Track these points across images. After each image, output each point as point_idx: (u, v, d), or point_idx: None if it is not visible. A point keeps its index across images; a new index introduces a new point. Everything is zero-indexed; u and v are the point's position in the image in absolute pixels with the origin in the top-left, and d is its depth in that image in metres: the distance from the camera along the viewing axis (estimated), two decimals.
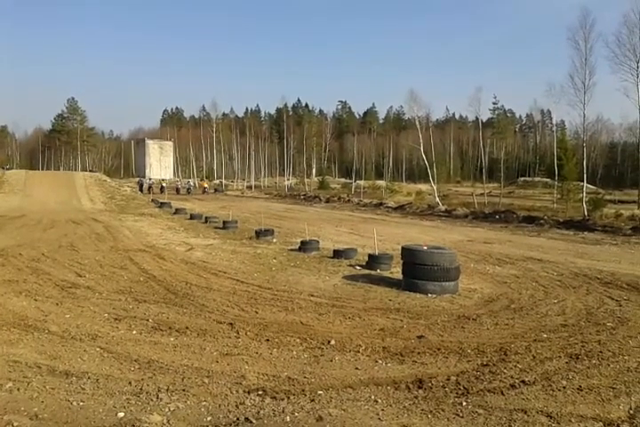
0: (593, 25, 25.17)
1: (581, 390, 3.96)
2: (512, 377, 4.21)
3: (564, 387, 4.02)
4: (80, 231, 14.75)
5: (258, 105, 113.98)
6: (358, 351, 4.86)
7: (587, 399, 3.80)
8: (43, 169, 74.64)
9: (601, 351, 4.91)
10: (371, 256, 9.65)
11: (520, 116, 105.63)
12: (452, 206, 28.03)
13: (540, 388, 4.00)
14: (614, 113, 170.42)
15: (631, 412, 3.59)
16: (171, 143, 79.46)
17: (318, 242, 11.87)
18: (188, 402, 3.67)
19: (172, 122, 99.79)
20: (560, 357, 4.75)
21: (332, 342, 5.07)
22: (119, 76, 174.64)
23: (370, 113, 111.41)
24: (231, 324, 5.65)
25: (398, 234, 15.34)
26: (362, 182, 57.28)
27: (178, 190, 47.27)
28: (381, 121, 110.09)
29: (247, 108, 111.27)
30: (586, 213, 23.30)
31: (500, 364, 4.53)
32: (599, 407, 3.66)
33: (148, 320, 5.80)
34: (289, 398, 3.77)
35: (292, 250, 11.59)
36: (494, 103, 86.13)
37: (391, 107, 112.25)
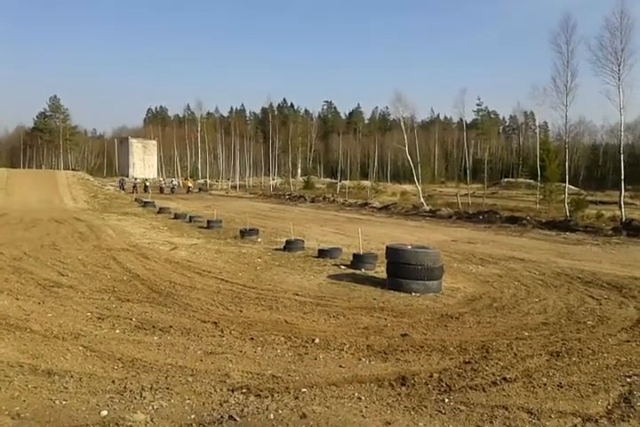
0: (574, 28, 25.42)
1: (561, 387, 4.03)
2: (494, 374, 4.27)
3: (545, 384, 4.09)
4: (62, 230, 14.60)
5: (243, 104, 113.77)
6: (342, 350, 4.89)
7: (566, 396, 3.87)
8: (24, 168, 73.53)
9: (581, 349, 4.99)
10: (355, 256, 9.69)
11: (504, 118, 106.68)
12: (436, 207, 28.19)
13: (521, 385, 4.07)
14: (596, 115, 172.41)
15: (609, 408, 3.67)
16: (155, 142, 78.83)
17: (303, 241, 11.89)
18: (172, 400, 3.67)
19: (157, 121, 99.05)
20: (541, 354, 4.83)
21: (317, 341, 5.10)
22: (103, 75, 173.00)
23: (355, 113, 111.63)
24: (215, 323, 5.65)
25: (383, 234, 15.40)
26: (347, 182, 57.31)
27: (162, 190, 46.89)
28: (367, 121, 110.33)
29: (232, 108, 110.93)
30: (568, 214, 23.57)
31: (481, 361, 4.59)
32: (578, 403, 3.73)
33: (131, 319, 5.78)
34: (273, 395, 3.78)
35: (276, 249, 11.59)
36: (478, 105, 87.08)
37: (376, 107, 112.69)
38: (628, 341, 5.35)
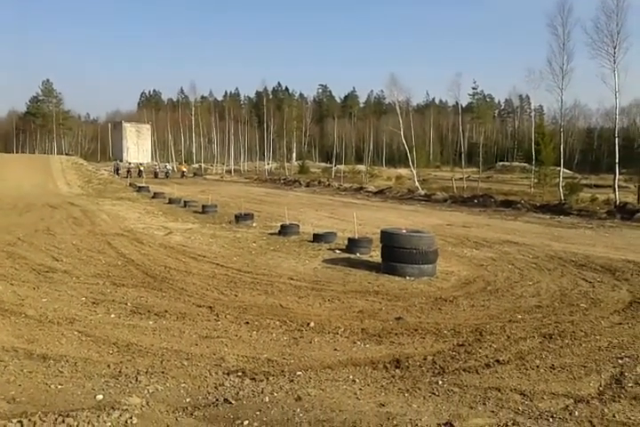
0: (571, 10, 25.26)
1: (554, 369, 4.07)
2: (487, 357, 4.31)
3: (538, 366, 4.13)
4: (57, 215, 14.53)
5: (237, 88, 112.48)
6: (337, 333, 4.92)
7: (559, 377, 3.91)
8: (17, 152, 72.95)
9: (574, 331, 5.04)
10: (350, 240, 9.70)
11: (499, 102, 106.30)
12: (431, 191, 28.21)
13: (514, 367, 4.11)
14: (592, 98, 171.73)
15: (601, 389, 3.71)
16: (148, 126, 78.29)
17: (298, 226, 11.88)
18: (167, 384, 3.69)
19: (150, 105, 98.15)
20: (534, 337, 4.87)
21: (312, 325, 5.12)
22: (96, 59, 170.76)
23: (350, 97, 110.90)
24: (210, 307, 5.67)
25: (378, 218, 15.41)
26: (342, 167, 57.22)
27: (156, 174, 46.66)
28: (362, 105, 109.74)
29: (226, 92, 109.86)
30: (562, 198, 23.63)
31: (475, 344, 4.62)
32: (570, 385, 3.77)
33: (126, 304, 5.78)
34: (268, 379, 3.81)
35: (271, 234, 11.59)
36: (474, 88, 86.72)
37: (372, 91, 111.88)
38: (620, 323, 5.39)
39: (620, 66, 22.61)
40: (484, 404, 3.44)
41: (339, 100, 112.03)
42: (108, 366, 4.00)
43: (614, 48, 22.34)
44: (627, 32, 22.63)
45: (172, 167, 55.01)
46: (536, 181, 32.79)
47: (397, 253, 7.59)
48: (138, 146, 75.18)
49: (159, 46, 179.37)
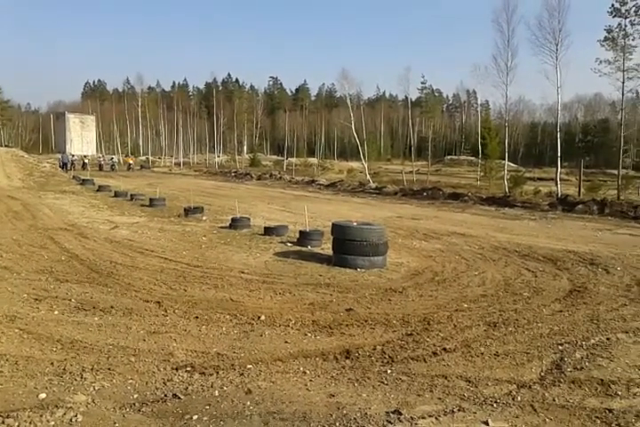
0: (515, 8, 25.92)
1: (498, 356, 4.21)
2: (434, 345, 4.41)
3: (482, 353, 4.26)
4: None
5: (186, 79, 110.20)
6: (288, 326, 4.92)
7: (502, 364, 4.05)
8: None
9: (517, 319, 5.22)
10: (302, 233, 9.71)
11: (447, 97, 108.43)
12: (382, 184, 28.53)
13: (460, 354, 4.22)
14: (536, 94, 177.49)
15: (542, 374, 3.86)
16: (93, 117, 75.70)
17: (249, 219, 11.79)
18: (114, 381, 3.61)
19: (95, 95, 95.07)
20: (479, 325, 5.01)
21: (262, 318, 5.10)
22: (36, 47, 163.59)
23: (302, 90, 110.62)
24: (158, 302, 5.56)
25: (330, 211, 15.49)
26: (294, 160, 57.14)
27: (101, 167, 45.20)
28: (313, 98, 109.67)
29: (174, 83, 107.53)
30: (507, 190, 24.37)
31: (423, 333, 4.72)
32: (514, 371, 3.91)
33: (70, 300, 5.60)
34: (218, 373, 3.77)
35: (222, 227, 11.46)
36: (422, 83, 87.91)
37: (323, 84, 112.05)
38: (561, 311, 5.62)
39: (562, 62, 23.44)
40: (431, 391, 3.52)
41: (290, 93, 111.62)
42: (52, 363, 3.87)
43: (556, 45, 23.12)
44: (568, 30, 23.48)
45: (119, 160, 53.46)
46: (482, 174, 33.71)
47: (348, 246, 7.65)
48: (82, 137, 72.56)
49: (104, 34, 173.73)
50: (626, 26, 24.23)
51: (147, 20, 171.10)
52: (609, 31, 24.73)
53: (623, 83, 23.66)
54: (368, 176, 33.76)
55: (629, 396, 3.48)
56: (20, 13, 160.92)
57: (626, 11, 24.23)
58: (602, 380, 3.72)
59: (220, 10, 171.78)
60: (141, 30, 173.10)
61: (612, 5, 24.43)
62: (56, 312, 5.20)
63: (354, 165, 53.05)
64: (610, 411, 3.24)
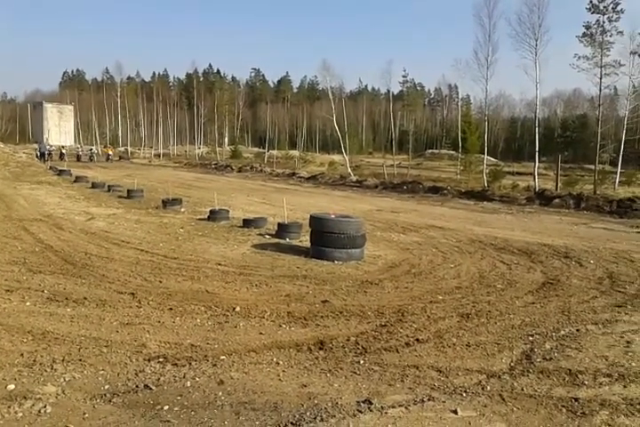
0: (497, 2, 26.12)
1: (469, 346, 4.26)
2: (407, 336, 4.45)
3: (454, 344, 4.31)
4: None
5: (166, 69, 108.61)
6: (263, 317, 4.92)
7: (473, 355, 4.10)
8: None
9: (489, 311, 5.29)
10: (280, 225, 9.70)
11: (429, 90, 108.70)
12: (363, 177, 28.61)
13: (432, 345, 4.27)
14: (516, 89, 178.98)
15: (512, 364, 3.92)
16: (71, 107, 74.37)
17: (228, 211, 11.74)
18: (85, 372, 3.58)
19: (73, 85, 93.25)
20: (452, 316, 5.07)
21: (237, 309, 5.10)
22: (13, 34, 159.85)
23: (284, 82, 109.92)
24: (133, 294, 5.51)
25: (310, 204, 15.49)
26: (275, 152, 56.91)
27: (79, 157, 44.56)
28: (295, 90, 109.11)
29: (155, 73, 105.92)
30: (486, 184, 24.65)
31: (397, 324, 4.76)
32: (484, 361, 3.96)
33: (43, 291, 5.54)
34: (190, 364, 3.76)
35: (200, 219, 11.39)
36: (404, 76, 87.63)
37: (305, 76, 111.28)
38: (533, 303, 5.71)
39: (541, 58, 23.74)
40: (403, 381, 3.56)
41: (272, 85, 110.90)
42: (22, 355, 3.82)
43: (536, 40, 23.40)
44: (548, 25, 23.75)
45: (97, 150, 52.72)
46: (462, 168, 33.96)
47: (326, 238, 7.66)
48: (60, 127, 71.28)
49: (83, 23, 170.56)
50: (604, 22, 24.64)
51: (127, 9, 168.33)
52: (587, 27, 25.11)
53: (601, 78, 24.07)
54: (349, 169, 33.82)
55: (595, 385, 3.56)
56: None
57: (604, 7, 24.62)
58: (570, 370, 3.80)
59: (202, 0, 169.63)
60: (122, 19, 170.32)
61: (591, 2, 24.76)
62: (28, 303, 5.13)
63: (335, 158, 52.96)
64: (576, 400, 3.31)
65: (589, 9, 24.93)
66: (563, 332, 4.70)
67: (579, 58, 24.86)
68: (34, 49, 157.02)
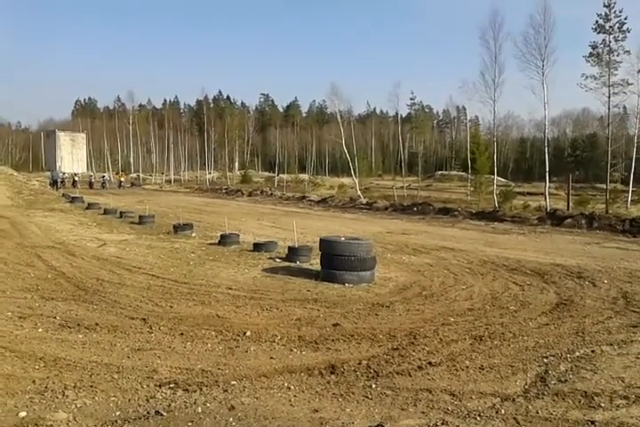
0: (502, 24, 26.48)
1: (483, 369, 4.21)
2: (420, 359, 4.41)
3: (467, 367, 4.26)
4: None
5: (177, 96, 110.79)
6: (274, 341, 4.90)
7: (487, 377, 4.05)
8: None
9: (503, 333, 5.23)
10: (290, 249, 9.70)
11: (437, 112, 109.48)
12: (372, 199, 28.62)
13: (445, 368, 4.22)
14: (524, 109, 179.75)
15: (526, 387, 3.86)
16: (83, 135, 75.75)
17: (238, 235, 11.78)
18: (96, 398, 3.57)
19: (85, 113, 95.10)
20: (465, 339, 5.02)
21: (248, 334, 5.08)
22: (27, 65, 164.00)
23: (293, 106, 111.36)
24: (144, 319, 5.52)
25: (320, 227, 15.49)
26: (285, 176, 57.33)
27: (91, 184, 45.02)
28: (304, 115, 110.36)
29: (166, 100, 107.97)
30: (496, 205, 24.56)
31: (409, 347, 4.72)
32: (498, 384, 3.91)
33: (55, 318, 5.56)
34: (201, 389, 3.75)
35: (211, 244, 11.44)
36: (412, 99, 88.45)
37: (314, 101, 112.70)
38: (547, 324, 5.63)
39: (548, 78, 23.89)
40: (415, 405, 3.52)
41: (281, 110, 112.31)
42: (34, 381, 3.83)
43: (542, 61, 23.61)
44: (554, 46, 23.99)
45: (110, 177, 53.36)
46: (472, 189, 33.92)
47: (336, 261, 7.65)
48: (72, 155, 72.51)
49: (94, 52, 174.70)
50: (610, 42, 24.79)
51: (138, 38, 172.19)
52: (594, 47, 25.28)
53: (609, 97, 24.12)
54: (359, 192, 33.91)
55: (612, 408, 3.49)
56: (9, 30, 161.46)
57: (610, 27, 24.82)
58: (585, 392, 3.73)
59: (211, 27, 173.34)
60: (133, 48, 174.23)
61: (597, 22, 24.99)
62: (40, 330, 5.15)
63: (345, 180, 53.22)
64: (592, 423, 3.24)
65: (595, 29, 25.17)
66: (577, 353, 4.63)
67: (586, 77, 25.00)
68: (46, 79, 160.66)
